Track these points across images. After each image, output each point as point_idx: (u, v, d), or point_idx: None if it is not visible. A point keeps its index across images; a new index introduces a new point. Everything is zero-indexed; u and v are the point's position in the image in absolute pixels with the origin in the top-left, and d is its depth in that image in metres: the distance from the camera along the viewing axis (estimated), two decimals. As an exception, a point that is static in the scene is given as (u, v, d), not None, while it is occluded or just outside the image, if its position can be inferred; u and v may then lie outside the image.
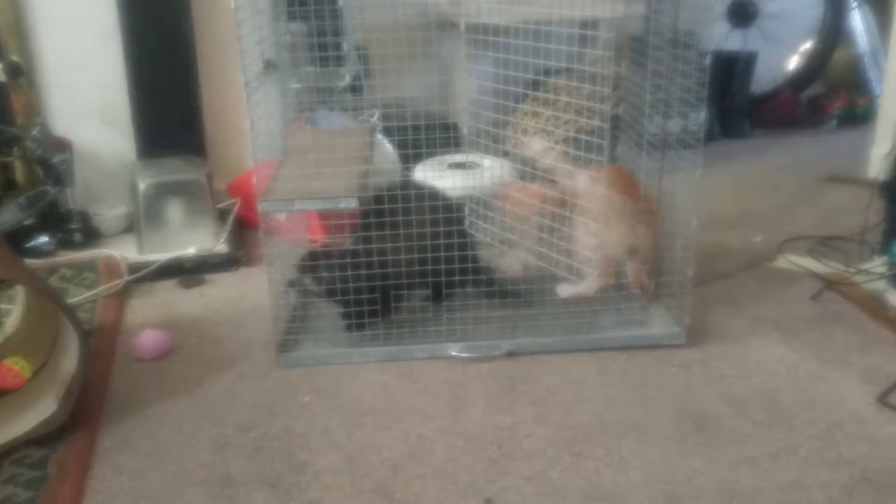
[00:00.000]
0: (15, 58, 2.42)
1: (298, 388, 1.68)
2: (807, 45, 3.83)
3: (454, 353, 1.76)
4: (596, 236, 1.74)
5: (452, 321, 1.82)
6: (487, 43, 1.70)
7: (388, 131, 2.10)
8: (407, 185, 1.89)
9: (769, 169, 3.14)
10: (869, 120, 3.41)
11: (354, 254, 1.73)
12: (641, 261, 1.87)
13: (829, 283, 2.07)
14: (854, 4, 3.77)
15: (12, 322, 1.72)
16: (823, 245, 2.30)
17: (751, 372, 1.71)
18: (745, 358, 1.76)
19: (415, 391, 1.65)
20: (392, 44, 1.71)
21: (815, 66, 3.82)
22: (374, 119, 2.11)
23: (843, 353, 1.77)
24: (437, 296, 1.89)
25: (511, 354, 1.77)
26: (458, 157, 2.32)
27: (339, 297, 1.75)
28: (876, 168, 2.45)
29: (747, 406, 1.58)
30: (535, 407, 1.59)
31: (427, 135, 1.95)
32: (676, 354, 1.77)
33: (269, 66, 1.85)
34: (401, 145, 1.97)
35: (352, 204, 1.69)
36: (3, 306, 1.74)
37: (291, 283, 1.79)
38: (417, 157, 2.05)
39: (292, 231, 2.06)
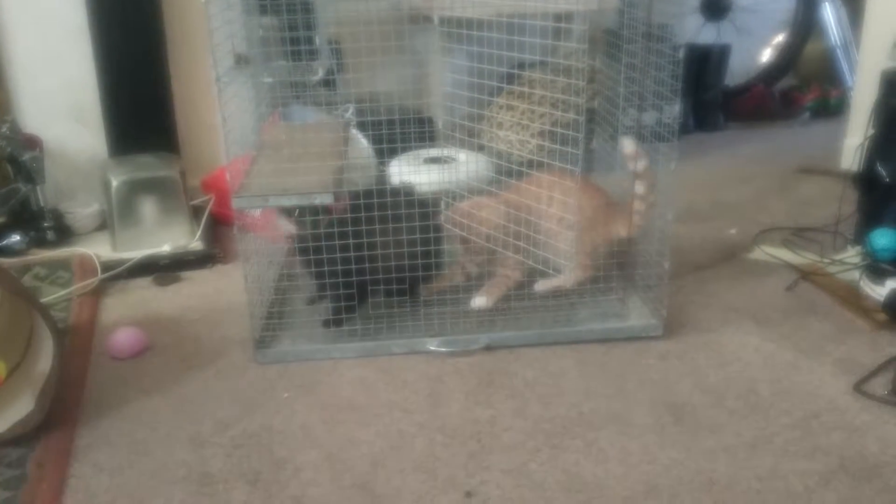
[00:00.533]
0: (-18, 54, 2.38)
1: (277, 384, 1.67)
2: (779, 38, 3.87)
3: (432, 348, 1.76)
4: (570, 230, 1.74)
5: (430, 316, 1.82)
6: (461, 36, 1.69)
7: (362, 126, 2.08)
8: (381, 187, 1.86)
9: (743, 161, 3.17)
10: (841, 112, 3.44)
11: (328, 245, 1.71)
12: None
13: (804, 274, 2.10)
14: (825, -2, 3.81)
15: (-16, 322, 1.69)
16: (798, 236, 2.33)
17: (727, 362, 1.72)
18: (722, 348, 1.78)
19: (394, 386, 1.65)
20: (365, 37, 1.70)
21: (788, 59, 3.87)
22: (349, 114, 2.10)
23: (818, 343, 1.79)
24: (411, 291, 1.89)
25: (489, 348, 1.77)
26: (434, 152, 2.32)
27: (309, 262, 1.73)
28: (849, 159, 2.48)
29: (724, 396, 1.60)
30: (514, 400, 1.59)
31: (402, 129, 1.95)
32: (654, 346, 1.78)
33: (241, 60, 1.84)
34: (375, 140, 1.96)
35: (326, 199, 1.68)
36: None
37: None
38: (392, 152, 2.04)
39: (267, 227, 2.05)
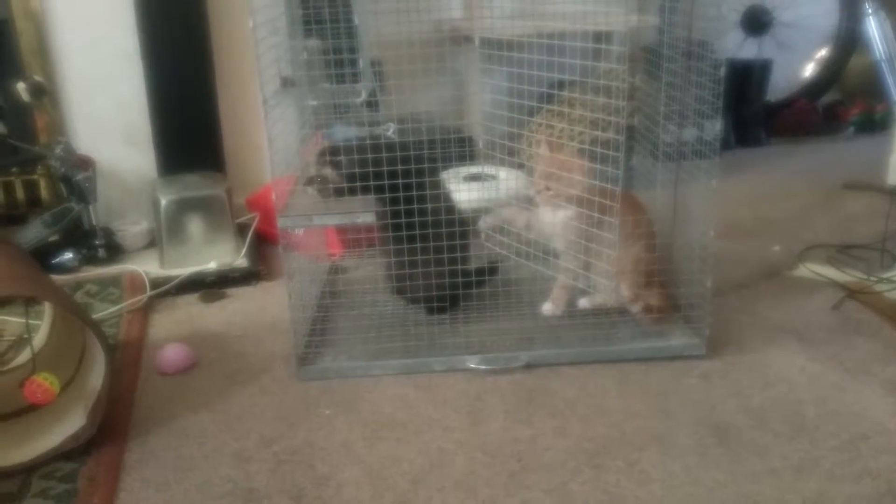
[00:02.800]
0: (38, 78, 2.47)
1: (319, 401, 1.69)
2: (822, 53, 3.82)
3: (472, 366, 1.77)
4: (613, 248, 1.74)
5: (470, 333, 1.83)
6: (501, 57, 1.71)
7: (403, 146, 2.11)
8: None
9: (786, 177, 3.13)
10: (887, 126, 3.39)
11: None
12: (651, 285, 1.86)
13: (850, 292, 2.06)
14: (869, 11, 3.75)
15: (40, 338, 1.75)
16: (843, 253, 2.29)
17: (771, 383, 1.70)
18: (766, 368, 1.75)
19: (434, 404, 1.66)
20: (407, 59, 1.73)
21: (832, 74, 3.81)
22: (390, 133, 2.13)
23: (865, 364, 1.76)
24: (452, 306, 1.91)
25: (529, 366, 1.77)
26: (474, 170, 2.34)
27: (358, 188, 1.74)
28: (895, 175, 2.43)
29: (768, 417, 1.58)
30: (554, 419, 1.59)
31: (443, 148, 1.97)
32: (696, 366, 1.77)
33: (287, 83, 1.88)
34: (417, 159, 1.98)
35: (369, 218, 1.71)
36: (32, 322, 1.77)
37: (311, 181, 1.77)
38: (434, 171, 2.06)
39: (311, 246, 2.08)
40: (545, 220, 1.84)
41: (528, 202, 1.87)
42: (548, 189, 1.78)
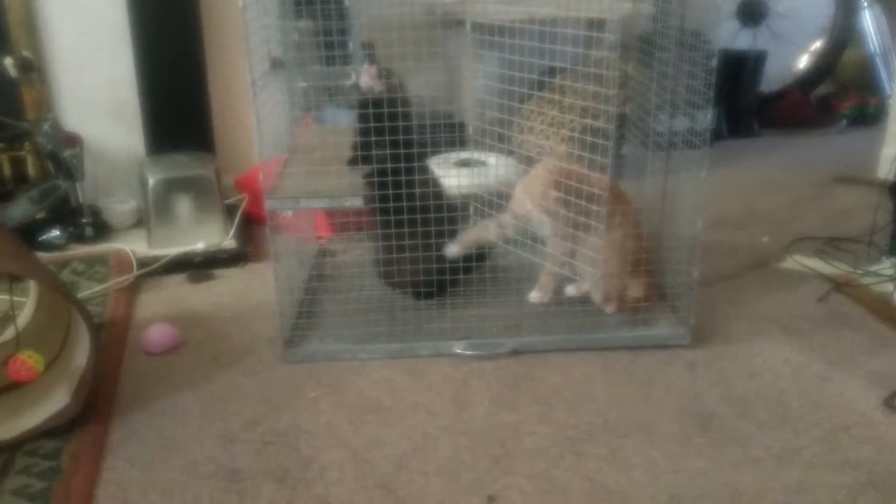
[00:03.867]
0: (26, 53, 2.44)
1: (305, 383, 1.69)
2: (817, 45, 3.81)
3: (458, 351, 1.77)
4: (600, 236, 1.74)
5: (457, 319, 1.83)
6: (493, 42, 1.70)
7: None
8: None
9: (777, 169, 3.14)
10: (879, 120, 3.39)
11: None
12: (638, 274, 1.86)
13: (837, 285, 2.07)
14: (865, 4, 3.75)
15: (24, 316, 1.74)
16: (831, 246, 2.30)
17: (756, 373, 1.71)
18: (751, 359, 1.76)
19: (419, 388, 1.67)
20: (398, 42, 1.72)
21: (826, 66, 3.81)
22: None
23: (849, 356, 1.77)
24: (440, 292, 1.91)
25: (515, 352, 1.78)
26: (464, 155, 2.34)
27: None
28: (885, 168, 2.44)
29: (752, 407, 1.59)
30: (539, 405, 1.60)
31: (433, 133, 1.96)
32: (681, 355, 1.77)
33: (277, 64, 1.86)
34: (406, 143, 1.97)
35: (357, 202, 1.70)
36: (16, 300, 1.76)
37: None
38: (423, 156, 2.05)
39: (299, 227, 2.08)
40: (527, 208, 1.83)
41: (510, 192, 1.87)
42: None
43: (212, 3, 2.56)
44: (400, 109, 1.69)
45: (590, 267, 1.77)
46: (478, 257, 2.02)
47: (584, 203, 1.69)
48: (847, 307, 1.99)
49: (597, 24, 1.61)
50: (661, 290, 1.93)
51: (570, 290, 1.93)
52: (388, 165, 1.69)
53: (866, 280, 2.08)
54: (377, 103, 1.68)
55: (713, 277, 2.10)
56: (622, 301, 1.84)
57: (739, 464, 1.42)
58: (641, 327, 1.84)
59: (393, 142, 1.67)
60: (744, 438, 1.49)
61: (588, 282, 1.87)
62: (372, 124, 1.66)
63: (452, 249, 1.87)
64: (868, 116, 3.67)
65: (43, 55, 2.48)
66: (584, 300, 1.90)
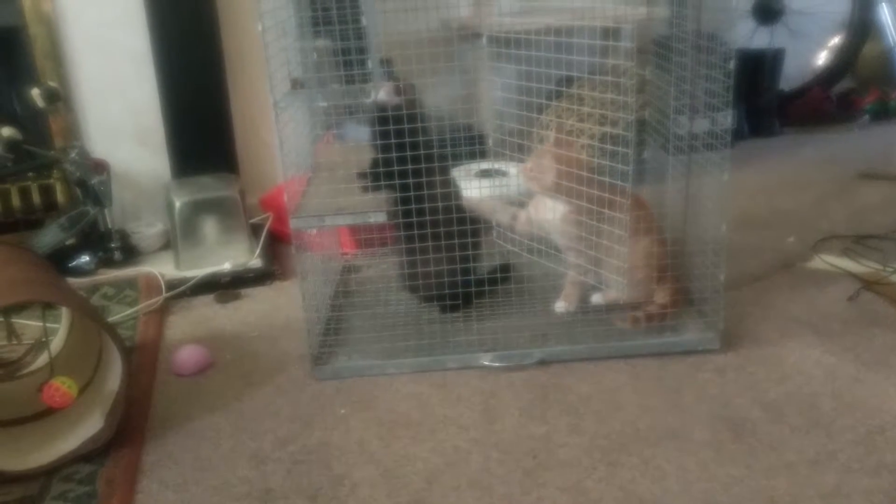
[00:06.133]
0: (52, 83, 2.50)
1: (334, 400, 1.70)
2: (835, 41, 3.78)
3: (486, 363, 1.77)
4: (623, 244, 1.73)
5: (483, 330, 1.84)
6: (509, 54, 1.71)
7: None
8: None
9: (800, 167, 3.11)
10: (902, 114, 3.36)
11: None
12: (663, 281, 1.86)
13: (866, 284, 2.04)
14: (882, -2, 3.72)
15: (57, 342, 1.78)
16: (859, 244, 2.27)
17: (787, 376, 1.69)
18: (781, 362, 1.75)
19: (448, 401, 1.67)
20: (416, 58, 1.74)
21: (845, 61, 3.77)
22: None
23: (882, 355, 1.75)
24: (465, 304, 1.92)
25: (543, 363, 1.77)
26: (485, 166, 2.34)
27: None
28: (910, 164, 2.41)
29: (784, 411, 1.57)
30: (569, 416, 1.60)
31: (453, 145, 1.97)
32: (711, 360, 1.76)
33: (297, 84, 1.89)
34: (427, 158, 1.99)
35: (380, 218, 1.71)
36: (49, 326, 1.79)
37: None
38: (445, 168, 2.07)
39: (324, 245, 2.09)
40: (543, 216, 1.84)
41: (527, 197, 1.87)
42: (531, 172, 1.78)
43: (232, 28, 2.60)
44: (419, 124, 1.70)
45: (614, 274, 1.76)
46: (503, 269, 2.02)
47: (598, 210, 1.69)
48: (877, 306, 1.96)
49: (612, 33, 1.61)
50: (688, 295, 1.92)
51: (597, 299, 1.92)
52: (410, 180, 1.70)
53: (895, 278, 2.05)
54: (397, 119, 1.69)
55: (740, 280, 2.08)
56: (649, 310, 1.84)
57: (773, 469, 1.41)
58: (669, 333, 1.83)
59: (413, 155, 1.68)
60: (777, 443, 1.48)
61: (614, 289, 1.86)
62: (392, 140, 1.67)
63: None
64: (890, 111, 3.62)
65: (69, 84, 2.53)
66: (611, 309, 1.89)
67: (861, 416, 1.54)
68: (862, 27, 3.71)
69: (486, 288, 1.96)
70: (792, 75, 3.67)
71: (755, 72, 3.47)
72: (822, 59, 3.83)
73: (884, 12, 3.72)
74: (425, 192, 1.71)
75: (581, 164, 1.72)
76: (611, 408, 1.61)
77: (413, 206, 1.73)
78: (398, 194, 1.75)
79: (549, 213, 1.83)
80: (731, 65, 1.63)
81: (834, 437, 1.49)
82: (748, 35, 3.59)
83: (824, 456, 1.43)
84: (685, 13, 1.85)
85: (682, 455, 1.46)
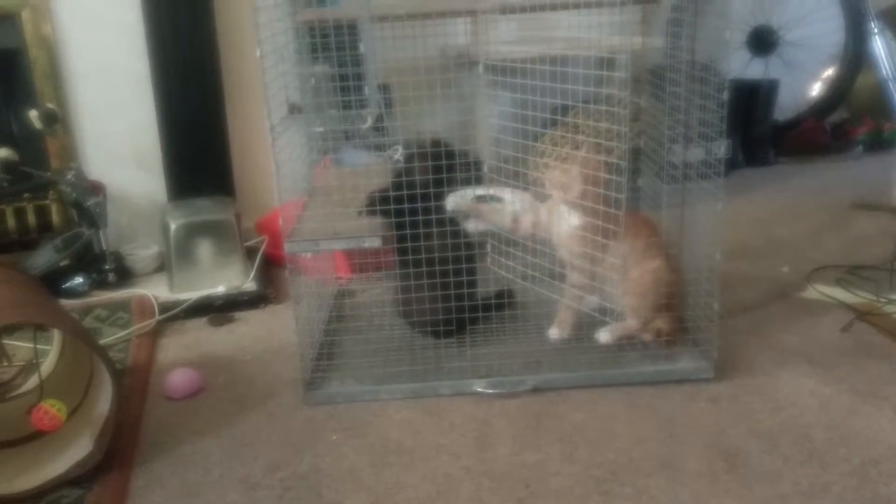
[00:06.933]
0: (51, 105, 2.51)
1: (326, 426, 1.69)
2: (829, 72, 3.82)
3: (479, 390, 1.76)
4: (620, 273, 1.73)
5: (477, 357, 1.83)
6: (506, 82, 1.73)
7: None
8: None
9: (795, 197, 3.12)
10: (895, 145, 3.38)
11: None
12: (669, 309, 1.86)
13: (860, 314, 2.05)
14: (875, 30, 3.76)
15: (48, 364, 1.76)
16: (853, 274, 2.28)
17: (781, 406, 1.69)
18: (776, 392, 1.74)
19: (441, 429, 1.66)
20: (413, 85, 1.75)
21: (839, 92, 3.81)
22: (397, 156, 2.14)
23: (876, 386, 1.74)
24: (459, 331, 1.91)
25: (536, 390, 1.77)
26: (480, 191, 2.35)
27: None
28: (903, 194, 2.43)
29: (778, 442, 1.56)
30: (563, 444, 1.59)
31: (450, 171, 1.98)
32: (705, 389, 1.75)
33: (294, 109, 1.90)
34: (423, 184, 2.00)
35: (375, 243, 1.72)
36: (40, 348, 1.78)
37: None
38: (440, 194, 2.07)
39: (319, 269, 2.09)
40: (555, 224, 1.83)
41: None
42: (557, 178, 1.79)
43: (230, 53, 2.62)
44: (430, 176, 1.76)
45: (622, 297, 1.76)
46: (497, 295, 2.02)
47: (601, 239, 1.70)
48: (871, 336, 1.96)
49: (607, 63, 1.63)
50: (683, 324, 1.92)
51: (604, 337, 1.87)
52: (407, 217, 1.71)
53: (889, 308, 2.05)
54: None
55: (734, 309, 2.08)
56: (657, 333, 1.83)
57: (768, 501, 1.40)
58: (663, 362, 1.82)
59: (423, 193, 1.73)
60: (771, 474, 1.47)
61: (619, 320, 1.83)
62: (404, 193, 1.73)
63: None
64: (883, 142, 3.65)
65: (67, 106, 2.55)
66: (621, 345, 1.86)
67: (855, 447, 1.53)
68: (856, 59, 3.75)
69: (481, 314, 1.95)
70: (786, 106, 3.70)
71: (750, 102, 3.50)
72: (816, 90, 3.87)
73: (877, 44, 3.76)
74: (432, 226, 1.73)
75: (604, 182, 1.72)
76: (604, 436, 1.60)
77: (417, 233, 1.74)
78: (401, 231, 1.75)
79: (563, 223, 1.82)
80: (725, 95, 1.65)
81: (828, 468, 1.48)
82: (743, 66, 3.63)
83: (818, 488, 1.42)
84: (680, 44, 1.87)
85: (675, 485, 1.45)
